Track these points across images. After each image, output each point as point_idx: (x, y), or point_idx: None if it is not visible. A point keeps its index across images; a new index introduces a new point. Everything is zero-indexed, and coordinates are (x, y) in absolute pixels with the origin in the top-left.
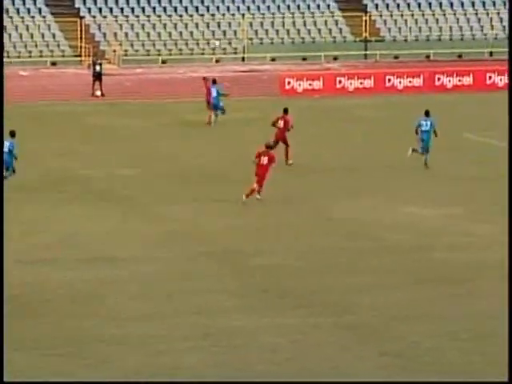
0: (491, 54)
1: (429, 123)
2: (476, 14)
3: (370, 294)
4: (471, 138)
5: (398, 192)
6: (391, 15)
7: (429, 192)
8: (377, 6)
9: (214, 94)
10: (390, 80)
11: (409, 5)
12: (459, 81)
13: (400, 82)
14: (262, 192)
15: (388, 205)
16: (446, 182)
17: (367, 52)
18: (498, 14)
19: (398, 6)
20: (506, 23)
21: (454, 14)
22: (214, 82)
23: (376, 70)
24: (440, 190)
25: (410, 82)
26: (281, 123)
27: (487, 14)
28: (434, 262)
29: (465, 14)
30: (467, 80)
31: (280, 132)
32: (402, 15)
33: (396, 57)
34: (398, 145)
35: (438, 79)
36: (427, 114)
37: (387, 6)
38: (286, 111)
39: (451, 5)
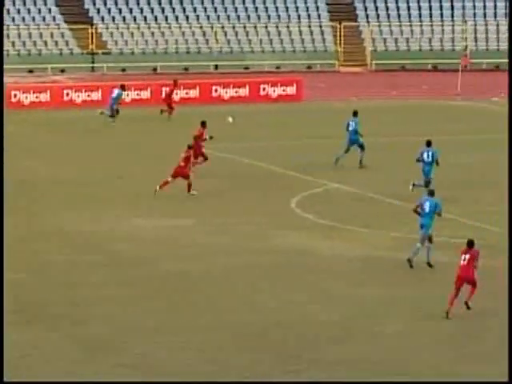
0: (216, 67)
1: (353, 124)
2: (201, 27)
3: (101, 307)
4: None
5: (128, 204)
6: (117, 28)
7: (159, 204)
8: (103, 18)
9: (113, 95)
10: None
11: (135, 18)
12: (186, 93)
13: (128, 95)
14: (191, 188)
15: (118, 217)
16: (176, 195)
17: (94, 65)
18: (223, 27)
19: (124, 18)
20: (230, 37)
21: (180, 28)
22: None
23: (104, 82)
24: (170, 202)
25: (137, 94)
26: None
27: (212, 27)
28: (163, 273)
29: (190, 27)
30: (194, 93)
31: (195, 145)
32: (128, 28)
33: (123, 69)
34: (130, 158)
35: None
36: (355, 114)
37: (113, 18)
38: (203, 124)
39: (176, 18)
